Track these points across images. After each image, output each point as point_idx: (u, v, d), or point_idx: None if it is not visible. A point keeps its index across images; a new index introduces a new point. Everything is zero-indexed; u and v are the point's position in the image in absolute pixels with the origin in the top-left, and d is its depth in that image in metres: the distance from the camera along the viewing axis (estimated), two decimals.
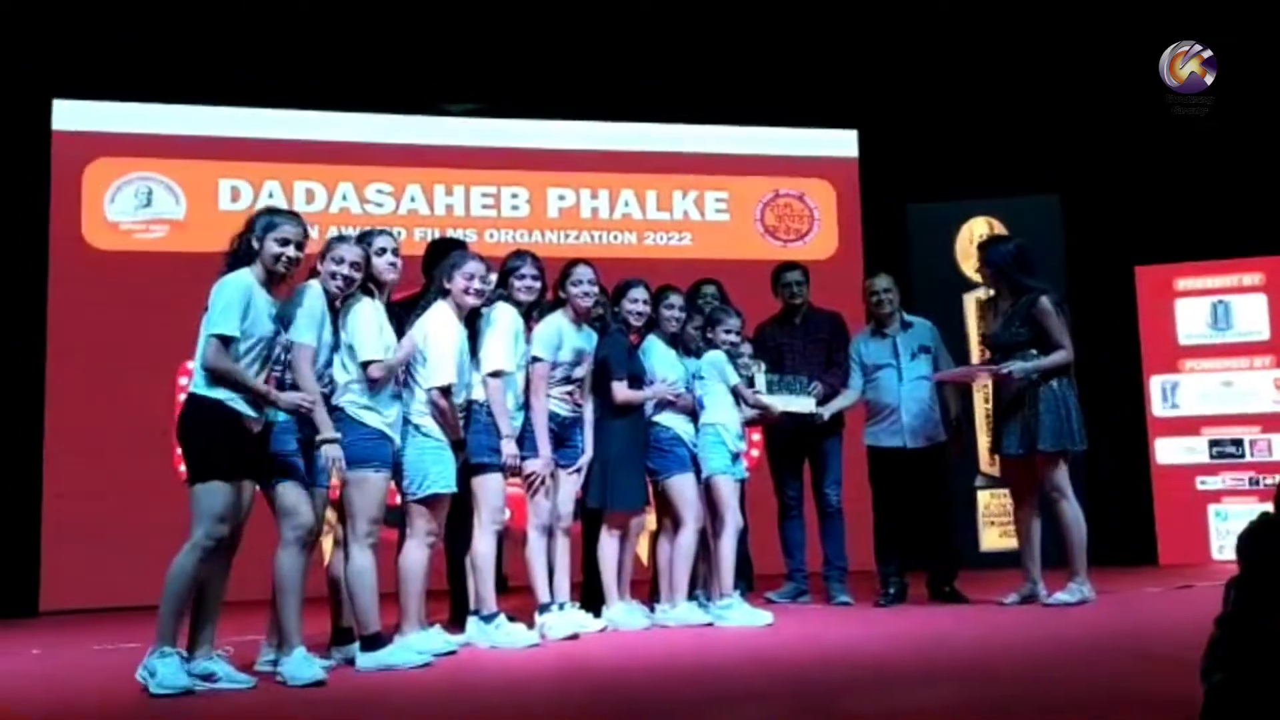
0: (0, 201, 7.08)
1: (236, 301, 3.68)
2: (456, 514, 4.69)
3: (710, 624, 5.04)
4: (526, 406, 4.78)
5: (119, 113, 7.53)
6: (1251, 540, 1.82)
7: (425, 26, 7.63)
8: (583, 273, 5.02)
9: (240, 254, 3.82)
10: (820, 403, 5.73)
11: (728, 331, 5.38)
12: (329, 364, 4.08)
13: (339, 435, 3.90)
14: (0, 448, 7.00)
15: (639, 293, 5.22)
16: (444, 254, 4.90)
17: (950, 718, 2.95)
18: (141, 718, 3.41)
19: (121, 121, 7.53)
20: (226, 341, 3.66)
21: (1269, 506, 1.89)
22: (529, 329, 4.88)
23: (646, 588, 5.45)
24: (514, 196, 8.10)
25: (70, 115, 7.41)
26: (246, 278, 3.76)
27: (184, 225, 7.46)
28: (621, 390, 5.08)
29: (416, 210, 7.91)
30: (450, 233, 7.32)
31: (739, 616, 5.06)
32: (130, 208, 7.41)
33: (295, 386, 3.91)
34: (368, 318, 4.16)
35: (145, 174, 7.46)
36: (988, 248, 5.56)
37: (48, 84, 7.36)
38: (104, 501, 6.90)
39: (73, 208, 7.32)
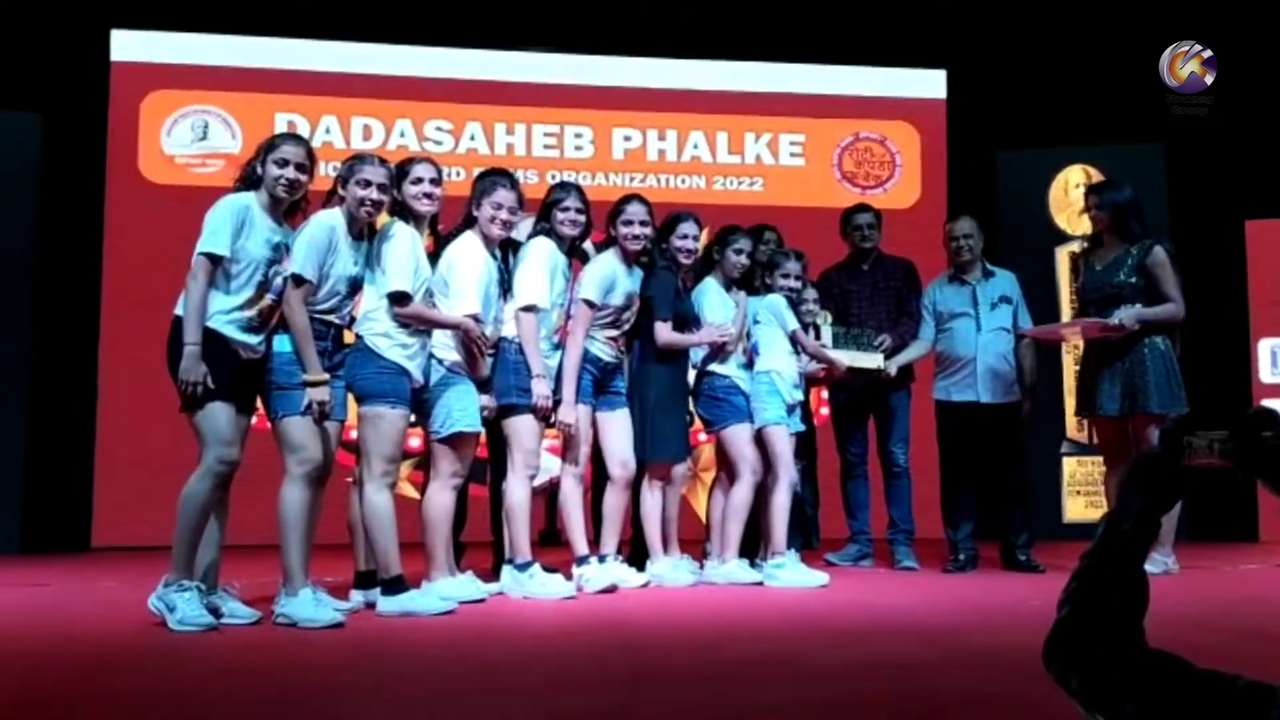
0: (59, 134, 7.00)
1: (229, 219, 3.56)
2: (500, 461, 4.47)
3: (760, 583, 4.75)
4: (561, 347, 4.51)
5: (177, 44, 7.37)
6: (1149, 465, 1.37)
7: None
8: (635, 211, 4.71)
9: (248, 180, 3.71)
10: (887, 356, 5.35)
11: (785, 276, 5.02)
12: (348, 296, 3.85)
13: (325, 377, 3.65)
14: (56, 383, 6.98)
15: (689, 228, 4.89)
16: None
17: (994, 693, 2.60)
18: (160, 654, 3.24)
19: (179, 53, 7.37)
20: (215, 260, 3.52)
21: None
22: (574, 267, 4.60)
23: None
24: (578, 136, 7.78)
25: (128, 46, 7.29)
26: (245, 199, 3.65)
27: (240, 160, 7.13)
28: (665, 331, 4.76)
29: (476, 149, 7.64)
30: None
31: (791, 577, 4.75)
32: (186, 141, 7.29)
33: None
34: (402, 246, 3.94)
35: (202, 107, 7.33)
36: (1103, 190, 5.26)
37: (106, 14, 7.25)
38: (159, 439, 6.76)
39: (130, 141, 7.23)
